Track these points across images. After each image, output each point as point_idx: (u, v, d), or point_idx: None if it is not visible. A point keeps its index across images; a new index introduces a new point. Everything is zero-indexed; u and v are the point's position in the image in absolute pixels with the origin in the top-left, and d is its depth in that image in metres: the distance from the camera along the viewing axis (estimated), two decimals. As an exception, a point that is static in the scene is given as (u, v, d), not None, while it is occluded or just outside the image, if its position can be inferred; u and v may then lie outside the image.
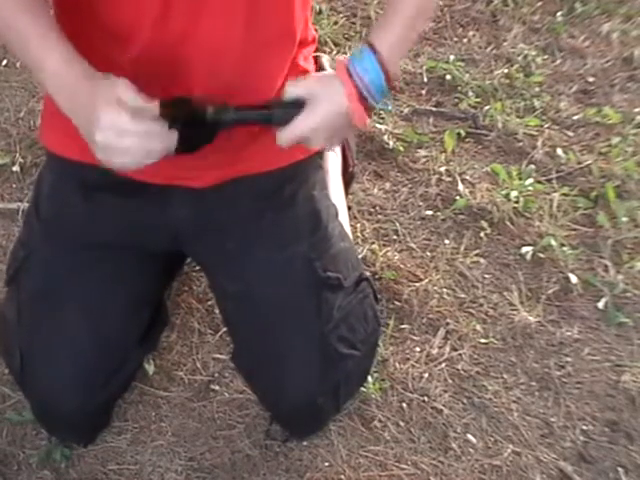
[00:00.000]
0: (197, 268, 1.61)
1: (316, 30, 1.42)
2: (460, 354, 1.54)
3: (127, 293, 1.31)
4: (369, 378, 1.45)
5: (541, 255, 1.72)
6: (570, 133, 2.03)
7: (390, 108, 2.02)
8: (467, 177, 1.88)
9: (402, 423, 1.43)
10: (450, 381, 1.50)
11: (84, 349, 1.27)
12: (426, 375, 1.50)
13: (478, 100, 2.08)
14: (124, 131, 0.99)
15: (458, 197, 1.83)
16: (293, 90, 1.14)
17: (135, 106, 0.99)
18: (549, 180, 1.89)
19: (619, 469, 1.38)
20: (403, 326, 1.57)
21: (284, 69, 1.27)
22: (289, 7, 1.19)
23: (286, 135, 1.13)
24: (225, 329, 1.51)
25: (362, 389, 1.44)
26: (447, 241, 1.74)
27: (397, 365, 1.51)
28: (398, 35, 1.17)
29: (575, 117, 2.07)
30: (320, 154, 1.40)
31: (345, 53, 2.17)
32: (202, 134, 1.10)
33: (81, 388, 1.27)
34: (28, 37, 1.06)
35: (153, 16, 1.10)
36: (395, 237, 1.75)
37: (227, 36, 1.14)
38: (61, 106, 1.08)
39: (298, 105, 1.12)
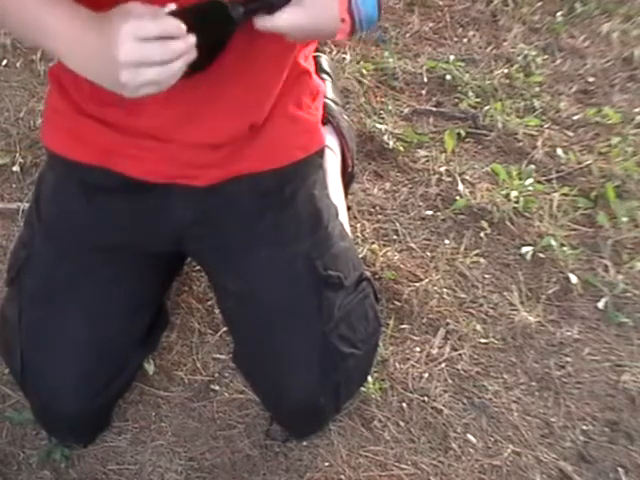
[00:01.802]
0: (197, 268, 1.61)
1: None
2: (460, 354, 1.54)
3: (128, 294, 1.32)
4: (369, 378, 1.45)
5: (541, 255, 1.72)
6: (570, 133, 2.03)
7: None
8: (467, 177, 1.88)
9: (402, 423, 1.43)
10: (450, 381, 1.50)
11: (85, 350, 1.27)
12: (426, 375, 1.50)
13: (478, 100, 2.08)
14: (147, 35, 0.95)
15: (458, 197, 1.83)
16: None
17: (150, 11, 0.97)
18: (549, 180, 1.89)
19: (619, 469, 1.38)
20: (403, 326, 1.57)
21: (285, 69, 1.27)
22: None
23: (268, 22, 1.10)
24: (225, 329, 1.51)
25: (362, 389, 1.44)
26: (447, 241, 1.74)
27: (397, 365, 1.51)
28: None
29: (575, 117, 2.07)
30: (321, 154, 1.40)
31: (345, 53, 2.17)
32: (216, 36, 1.08)
33: (81, 389, 1.27)
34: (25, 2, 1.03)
35: None
36: (395, 237, 1.75)
37: None
38: (72, 63, 1.04)
39: None
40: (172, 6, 0.99)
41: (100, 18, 1.00)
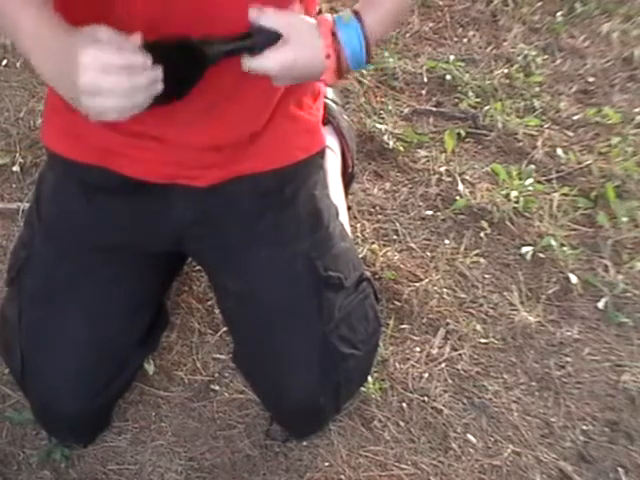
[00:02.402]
0: (197, 268, 1.61)
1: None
2: (460, 354, 1.54)
3: (128, 294, 1.32)
4: (369, 378, 1.45)
5: (541, 255, 1.72)
6: (570, 133, 2.03)
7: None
8: (467, 177, 1.88)
9: (402, 423, 1.43)
10: (450, 381, 1.50)
11: (85, 350, 1.27)
12: (426, 375, 1.50)
13: (478, 100, 2.08)
14: (107, 66, 0.94)
15: (458, 197, 1.83)
16: (274, 20, 1.10)
17: (117, 40, 0.96)
18: (549, 180, 1.89)
19: (619, 469, 1.38)
20: (403, 326, 1.57)
21: None
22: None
23: (256, 63, 1.09)
24: (225, 329, 1.51)
25: (362, 389, 1.44)
26: (447, 241, 1.74)
27: (397, 365, 1.51)
28: (383, 15, 1.19)
29: (575, 117, 2.07)
30: (321, 154, 1.40)
31: (345, 53, 2.17)
32: (188, 72, 1.06)
33: (81, 389, 1.27)
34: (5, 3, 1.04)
35: None
36: (395, 237, 1.75)
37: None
38: (39, 67, 1.05)
39: (277, 37, 1.09)
40: (138, 38, 0.98)
41: (72, 30, 1.00)
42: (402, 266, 1.67)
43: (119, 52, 0.95)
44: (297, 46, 1.09)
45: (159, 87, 0.98)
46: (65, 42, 0.99)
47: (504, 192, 1.83)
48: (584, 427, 1.44)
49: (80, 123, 1.26)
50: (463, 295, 1.64)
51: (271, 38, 1.09)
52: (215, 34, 1.08)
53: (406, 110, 2.05)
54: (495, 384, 1.50)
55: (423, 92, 2.11)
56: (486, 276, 1.68)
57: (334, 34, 1.12)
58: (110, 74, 0.94)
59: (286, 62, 1.10)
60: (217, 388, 1.47)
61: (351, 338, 1.30)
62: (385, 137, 1.95)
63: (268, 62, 1.09)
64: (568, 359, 1.55)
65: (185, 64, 1.05)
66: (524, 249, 1.73)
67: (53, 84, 1.06)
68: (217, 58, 1.08)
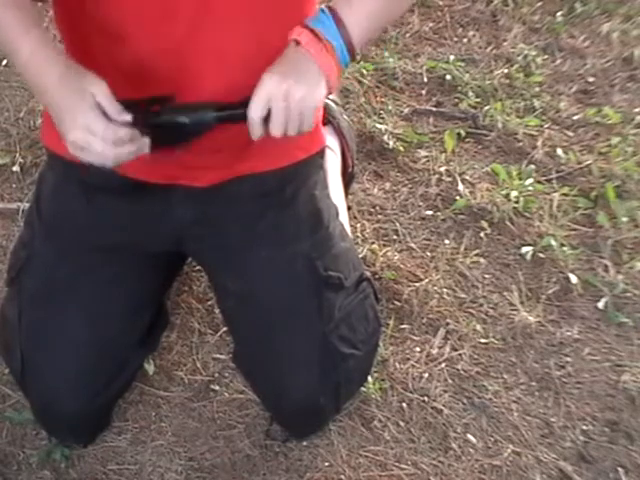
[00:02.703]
0: (197, 268, 1.61)
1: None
2: (460, 354, 1.54)
3: (128, 294, 1.32)
4: (369, 378, 1.45)
5: (541, 255, 1.72)
6: (570, 133, 2.03)
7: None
8: (467, 177, 1.88)
9: (402, 423, 1.43)
10: (450, 381, 1.50)
11: (85, 350, 1.27)
12: (426, 375, 1.50)
13: (478, 100, 2.08)
14: (96, 136, 1.02)
15: (458, 197, 1.83)
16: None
17: (110, 111, 1.03)
18: (549, 180, 1.89)
19: (619, 469, 1.38)
20: (403, 326, 1.57)
21: None
22: (293, 15, 1.18)
23: (263, 132, 1.10)
24: (225, 329, 1.51)
25: (362, 389, 1.44)
26: (447, 241, 1.74)
27: (397, 365, 1.51)
28: (362, 14, 1.14)
29: (575, 117, 2.07)
30: (321, 154, 1.40)
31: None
32: (178, 136, 1.11)
33: (82, 389, 1.27)
34: (9, 26, 1.08)
35: (154, 17, 1.10)
36: (395, 237, 1.75)
37: (231, 43, 1.13)
38: (35, 92, 1.11)
39: None
40: (128, 117, 1.04)
41: (71, 69, 1.06)
42: (402, 266, 1.67)
43: (110, 128, 1.02)
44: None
45: (145, 151, 1.06)
46: (63, 80, 1.05)
47: (504, 192, 1.83)
48: (584, 427, 1.44)
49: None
50: (463, 295, 1.64)
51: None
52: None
53: (406, 110, 2.05)
54: (495, 384, 1.50)
55: (423, 92, 2.11)
56: (486, 276, 1.68)
57: (318, 36, 1.10)
58: (97, 143, 1.03)
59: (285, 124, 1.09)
60: (217, 388, 1.47)
61: (351, 338, 1.30)
62: (385, 137, 1.95)
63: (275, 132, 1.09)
64: (568, 359, 1.55)
65: (177, 135, 1.11)
66: (524, 249, 1.73)
67: (41, 101, 1.12)
68: (210, 127, 1.11)
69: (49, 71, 1.06)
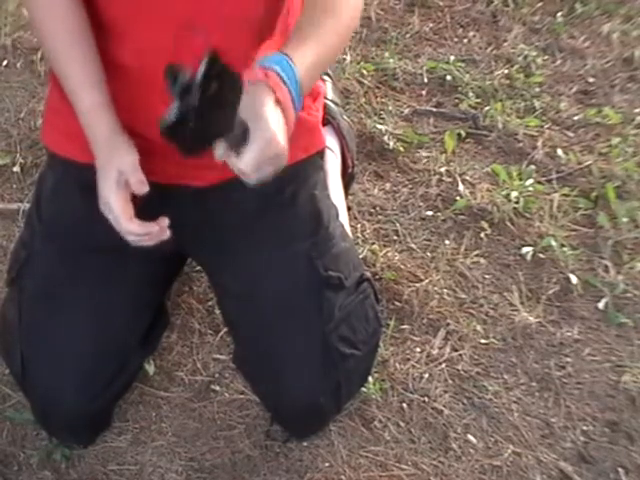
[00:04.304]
0: (197, 268, 1.61)
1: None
2: (460, 354, 1.54)
3: (128, 295, 1.32)
4: (369, 378, 1.45)
5: (541, 255, 1.72)
6: (570, 133, 2.03)
7: None
8: (467, 177, 1.88)
9: (402, 423, 1.43)
10: (450, 381, 1.50)
11: (85, 351, 1.27)
12: (426, 375, 1.50)
13: (478, 101, 2.08)
14: (114, 215, 1.14)
15: (458, 197, 1.83)
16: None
17: (134, 187, 1.13)
18: (549, 180, 1.89)
19: (619, 469, 1.38)
20: (403, 326, 1.57)
21: None
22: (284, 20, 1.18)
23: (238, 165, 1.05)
24: (225, 329, 1.51)
25: (362, 389, 1.44)
26: (447, 241, 1.74)
27: (397, 365, 1.51)
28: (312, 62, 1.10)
29: (575, 117, 2.07)
30: (321, 154, 1.40)
31: (345, 54, 2.17)
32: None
33: (82, 390, 1.27)
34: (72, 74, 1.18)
35: (152, 15, 1.10)
36: (395, 237, 1.75)
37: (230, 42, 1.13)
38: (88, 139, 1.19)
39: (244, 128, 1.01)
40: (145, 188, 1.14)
41: (114, 134, 1.17)
42: (402, 266, 1.67)
43: (121, 216, 1.14)
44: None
45: (164, 238, 1.16)
46: (102, 149, 1.17)
47: (504, 192, 1.83)
48: (584, 427, 1.44)
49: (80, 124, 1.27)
50: (463, 295, 1.64)
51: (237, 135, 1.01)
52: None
53: (406, 111, 2.05)
54: (495, 384, 1.50)
55: (423, 92, 2.11)
56: (486, 276, 1.68)
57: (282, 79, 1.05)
58: (116, 219, 1.15)
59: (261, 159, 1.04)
60: (217, 388, 1.47)
61: (351, 338, 1.30)
62: (385, 137, 1.95)
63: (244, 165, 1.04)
64: (568, 359, 1.55)
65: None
66: (524, 249, 1.73)
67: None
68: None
69: (97, 132, 1.17)
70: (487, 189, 1.85)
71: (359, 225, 1.76)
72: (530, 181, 1.86)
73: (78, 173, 1.29)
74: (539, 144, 1.97)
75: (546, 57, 2.25)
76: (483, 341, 1.56)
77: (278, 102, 1.03)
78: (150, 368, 1.47)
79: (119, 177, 1.13)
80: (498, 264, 1.71)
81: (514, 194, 1.83)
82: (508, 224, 1.78)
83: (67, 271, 1.29)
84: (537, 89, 2.14)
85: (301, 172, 1.34)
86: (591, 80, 2.20)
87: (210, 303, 1.58)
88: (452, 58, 2.20)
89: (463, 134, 1.99)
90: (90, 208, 1.30)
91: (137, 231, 1.14)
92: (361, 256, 1.63)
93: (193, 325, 1.56)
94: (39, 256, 1.31)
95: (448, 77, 2.14)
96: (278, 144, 1.02)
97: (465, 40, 2.29)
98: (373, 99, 2.07)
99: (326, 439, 1.40)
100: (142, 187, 1.13)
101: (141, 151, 1.25)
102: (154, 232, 1.14)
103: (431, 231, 1.77)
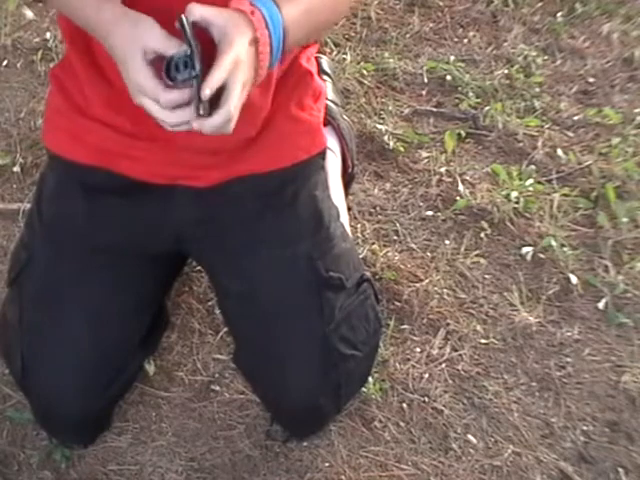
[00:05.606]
0: (197, 268, 1.61)
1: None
2: (460, 354, 1.54)
3: (128, 296, 1.32)
4: (369, 378, 1.45)
5: (541, 255, 1.72)
6: (570, 134, 2.03)
7: None
8: (467, 177, 1.88)
9: (402, 423, 1.43)
10: (450, 381, 1.50)
11: (85, 352, 1.27)
12: (426, 375, 1.50)
13: (478, 100, 2.08)
14: (148, 97, 1.02)
15: (458, 197, 1.83)
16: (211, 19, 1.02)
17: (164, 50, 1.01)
18: (549, 181, 1.89)
19: (619, 469, 1.38)
20: (403, 326, 1.58)
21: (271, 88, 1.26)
22: None
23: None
24: (226, 329, 1.51)
25: (362, 389, 1.44)
26: (447, 241, 1.74)
27: (397, 365, 1.51)
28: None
29: (575, 117, 2.07)
30: (322, 155, 1.40)
31: (345, 54, 2.17)
32: None
33: (82, 391, 1.27)
34: None
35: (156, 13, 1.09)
36: (395, 237, 1.75)
37: None
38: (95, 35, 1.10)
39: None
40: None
41: (124, 16, 1.05)
42: (402, 266, 1.67)
43: (159, 88, 1.01)
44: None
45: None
46: (118, 28, 1.05)
47: (504, 192, 1.83)
48: (584, 427, 1.44)
49: (81, 124, 1.27)
50: (463, 295, 1.64)
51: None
52: None
53: (406, 110, 2.05)
54: (495, 384, 1.50)
55: (423, 92, 2.11)
56: (486, 276, 1.68)
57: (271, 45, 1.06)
58: (151, 102, 1.03)
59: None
60: (217, 388, 1.47)
61: (352, 339, 1.30)
62: (385, 137, 1.95)
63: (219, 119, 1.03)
64: (568, 359, 1.55)
65: None
66: (524, 249, 1.73)
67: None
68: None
69: (113, 9, 1.06)
70: (487, 189, 1.85)
71: (359, 225, 1.76)
72: (530, 181, 1.86)
73: (79, 174, 1.29)
74: (539, 144, 1.97)
75: (546, 57, 2.25)
76: (483, 341, 1.57)
77: (255, 41, 1.03)
78: (150, 368, 1.47)
79: (145, 56, 1.03)
80: (498, 264, 1.71)
81: (514, 194, 1.83)
82: (508, 224, 1.78)
83: (67, 272, 1.29)
84: (537, 89, 2.14)
85: (302, 172, 1.35)
86: (591, 80, 2.20)
87: (210, 303, 1.58)
88: (452, 58, 2.20)
89: (463, 134, 1.99)
90: (91, 209, 1.31)
91: (179, 99, 1.02)
92: (361, 256, 1.63)
93: (193, 325, 1.56)
94: (39, 257, 1.31)
95: (448, 77, 2.14)
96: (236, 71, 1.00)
97: (465, 40, 2.29)
98: (373, 99, 2.07)
99: (326, 439, 1.40)
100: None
101: (142, 152, 1.25)
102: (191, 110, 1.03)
103: (431, 231, 1.77)
